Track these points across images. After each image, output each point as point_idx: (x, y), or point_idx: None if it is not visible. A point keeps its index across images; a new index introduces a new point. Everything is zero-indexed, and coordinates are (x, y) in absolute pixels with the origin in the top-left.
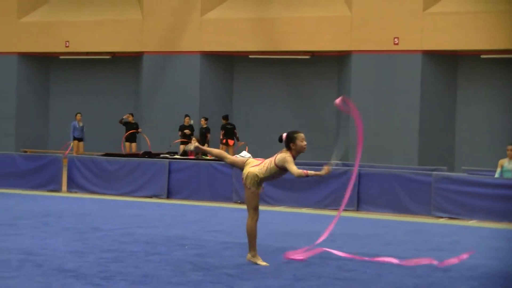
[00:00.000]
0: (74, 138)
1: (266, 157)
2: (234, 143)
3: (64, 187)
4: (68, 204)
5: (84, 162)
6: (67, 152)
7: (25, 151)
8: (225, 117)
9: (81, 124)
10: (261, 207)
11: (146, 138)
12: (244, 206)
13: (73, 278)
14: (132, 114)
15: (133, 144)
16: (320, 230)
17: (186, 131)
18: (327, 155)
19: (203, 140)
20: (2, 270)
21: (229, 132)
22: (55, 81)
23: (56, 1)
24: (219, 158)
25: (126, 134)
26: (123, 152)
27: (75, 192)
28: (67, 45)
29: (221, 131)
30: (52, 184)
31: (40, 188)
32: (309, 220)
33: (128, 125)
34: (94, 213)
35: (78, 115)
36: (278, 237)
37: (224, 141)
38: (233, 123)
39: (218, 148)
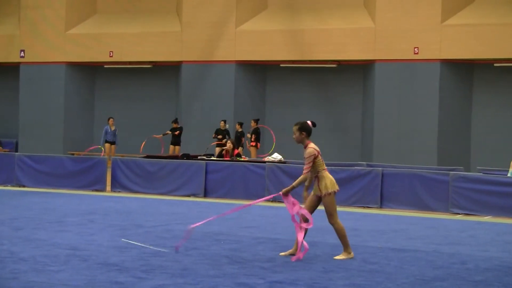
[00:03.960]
0: (106, 141)
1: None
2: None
3: (108, 187)
4: (112, 202)
5: (127, 163)
6: (86, 150)
7: (72, 154)
8: (256, 121)
9: (113, 128)
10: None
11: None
12: (276, 204)
13: (116, 272)
14: (175, 121)
15: (177, 147)
16: (345, 226)
17: (219, 136)
18: (352, 157)
19: (238, 143)
20: (51, 264)
21: (259, 135)
22: (100, 89)
23: (101, 14)
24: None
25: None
26: (162, 153)
27: (119, 191)
28: (111, 55)
29: (252, 135)
30: (97, 184)
31: (86, 188)
32: None
33: (172, 129)
34: (136, 211)
35: (111, 119)
36: (308, 233)
37: (253, 143)
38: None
39: (248, 150)
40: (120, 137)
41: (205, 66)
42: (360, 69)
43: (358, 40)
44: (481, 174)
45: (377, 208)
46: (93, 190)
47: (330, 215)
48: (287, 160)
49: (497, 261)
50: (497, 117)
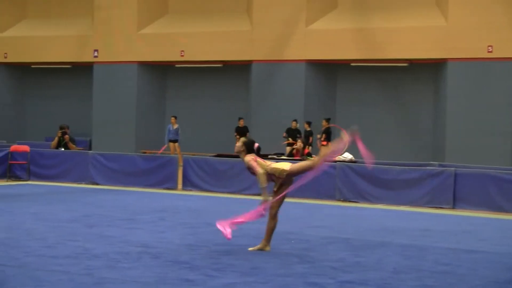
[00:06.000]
0: (170, 140)
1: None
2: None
3: (180, 185)
4: (183, 201)
5: (198, 162)
6: (160, 151)
7: (144, 152)
8: (328, 120)
9: (175, 127)
10: (362, 205)
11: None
12: (345, 204)
13: (187, 269)
14: (242, 118)
15: None
16: (416, 227)
17: (289, 139)
18: (424, 157)
19: (307, 142)
20: (123, 261)
21: (330, 135)
22: (172, 88)
23: (172, 14)
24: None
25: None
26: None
27: (190, 190)
28: (182, 54)
29: (323, 134)
30: (168, 182)
31: (158, 186)
32: (406, 217)
33: (238, 128)
34: (207, 210)
35: (172, 118)
36: (378, 233)
37: (324, 143)
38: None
39: (319, 149)
40: (191, 136)
41: (275, 65)
42: (432, 68)
43: (430, 38)
44: None
45: (449, 208)
46: (164, 188)
47: (274, 207)
48: (358, 160)
49: None
50: None
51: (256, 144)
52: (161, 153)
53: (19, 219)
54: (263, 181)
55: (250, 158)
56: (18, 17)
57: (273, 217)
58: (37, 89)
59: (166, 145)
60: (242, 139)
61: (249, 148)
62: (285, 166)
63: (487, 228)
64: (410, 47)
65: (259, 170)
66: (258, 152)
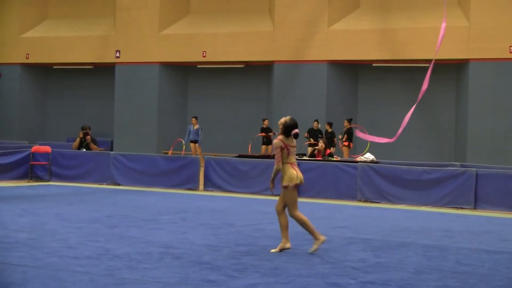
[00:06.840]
0: (190, 141)
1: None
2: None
3: (201, 186)
4: (205, 201)
5: (219, 162)
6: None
7: (166, 153)
8: (349, 121)
9: (195, 128)
10: (383, 205)
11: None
12: (367, 204)
13: (208, 270)
14: (267, 119)
15: (269, 147)
16: (438, 227)
17: (311, 139)
18: (445, 157)
19: (330, 143)
20: (144, 262)
21: (352, 135)
22: (193, 88)
23: (193, 15)
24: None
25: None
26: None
27: (211, 190)
28: (204, 55)
29: (345, 135)
30: (190, 183)
31: (179, 186)
32: (427, 217)
33: (263, 129)
34: (228, 210)
35: (193, 119)
36: (399, 233)
37: (346, 143)
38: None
39: (341, 150)
40: (212, 136)
41: (297, 65)
42: (454, 69)
43: (452, 39)
44: None
45: (471, 209)
46: (186, 189)
47: (288, 208)
48: (380, 160)
49: None
50: None
51: (295, 130)
52: (183, 154)
53: (41, 220)
54: (274, 172)
55: (278, 145)
56: (40, 18)
57: (280, 213)
58: (58, 89)
59: (183, 144)
60: (288, 117)
61: (286, 130)
62: (295, 178)
63: (508, 228)
64: (432, 48)
65: (277, 166)
66: (295, 138)
